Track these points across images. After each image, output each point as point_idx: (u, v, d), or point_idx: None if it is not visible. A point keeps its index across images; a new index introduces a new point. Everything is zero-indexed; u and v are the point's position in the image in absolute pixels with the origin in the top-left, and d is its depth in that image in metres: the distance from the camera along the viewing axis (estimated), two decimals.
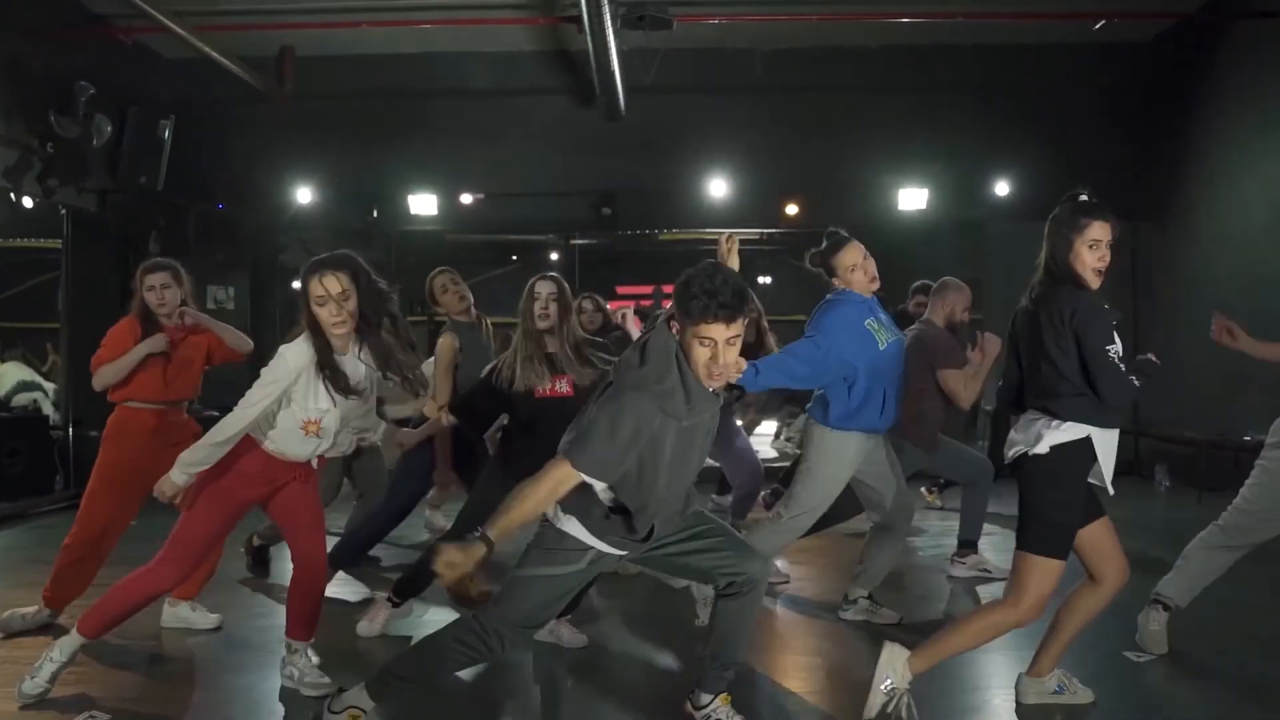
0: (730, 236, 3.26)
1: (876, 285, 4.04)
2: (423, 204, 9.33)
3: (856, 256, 3.99)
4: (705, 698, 3.09)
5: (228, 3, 7.88)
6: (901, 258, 10.56)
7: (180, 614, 4.36)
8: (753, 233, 10.48)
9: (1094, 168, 8.64)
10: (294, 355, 3.24)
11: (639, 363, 2.73)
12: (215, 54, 8.12)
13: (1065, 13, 8.30)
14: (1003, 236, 8.79)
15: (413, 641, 3.54)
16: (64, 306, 8.63)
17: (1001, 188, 9.19)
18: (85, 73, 7.51)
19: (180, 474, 3.26)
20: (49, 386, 9.16)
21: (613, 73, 7.90)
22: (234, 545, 4.69)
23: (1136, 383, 2.93)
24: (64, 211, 8.30)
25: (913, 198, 9.12)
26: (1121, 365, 2.91)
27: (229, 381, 4.20)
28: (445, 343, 4.64)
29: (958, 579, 5.18)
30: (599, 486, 2.77)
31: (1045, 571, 2.99)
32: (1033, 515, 3.02)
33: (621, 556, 2.93)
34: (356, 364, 3.36)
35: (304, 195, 9.26)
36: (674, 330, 2.73)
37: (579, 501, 2.80)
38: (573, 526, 2.83)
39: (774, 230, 10.12)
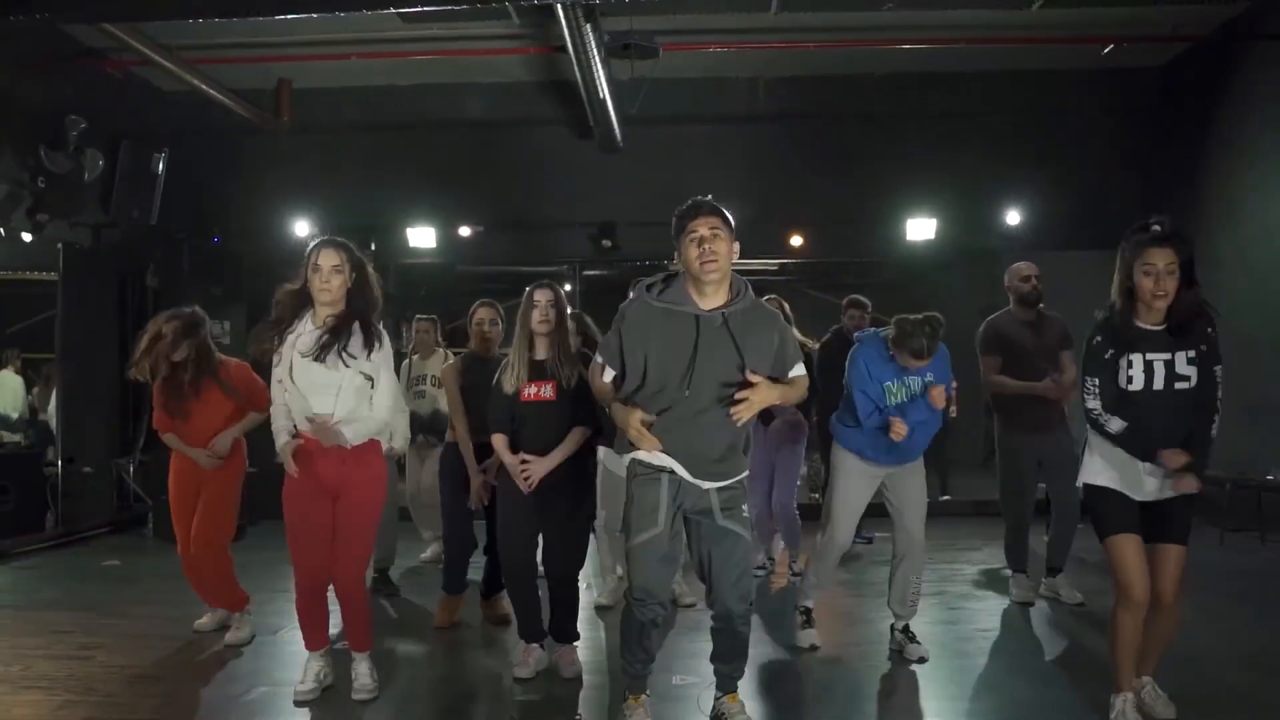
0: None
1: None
2: (421, 236, 9.21)
3: None
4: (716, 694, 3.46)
5: (223, 35, 7.80)
6: (911, 288, 10.45)
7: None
8: (771, 263, 10.37)
9: (1107, 196, 8.62)
10: None
11: None
12: (207, 88, 8.11)
13: (1074, 37, 8.11)
14: None
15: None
16: (60, 341, 8.61)
17: (1012, 217, 8.96)
18: (77, 106, 7.43)
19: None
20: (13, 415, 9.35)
21: (604, 103, 7.72)
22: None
23: None
24: (60, 246, 8.29)
25: (921, 228, 8.90)
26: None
27: None
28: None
29: None
30: None
31: None
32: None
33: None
34: (311, 337, 3.67)
35: (301, 228, 9.11)
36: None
37: None
38: None
39: (786, 260, 9.97)
